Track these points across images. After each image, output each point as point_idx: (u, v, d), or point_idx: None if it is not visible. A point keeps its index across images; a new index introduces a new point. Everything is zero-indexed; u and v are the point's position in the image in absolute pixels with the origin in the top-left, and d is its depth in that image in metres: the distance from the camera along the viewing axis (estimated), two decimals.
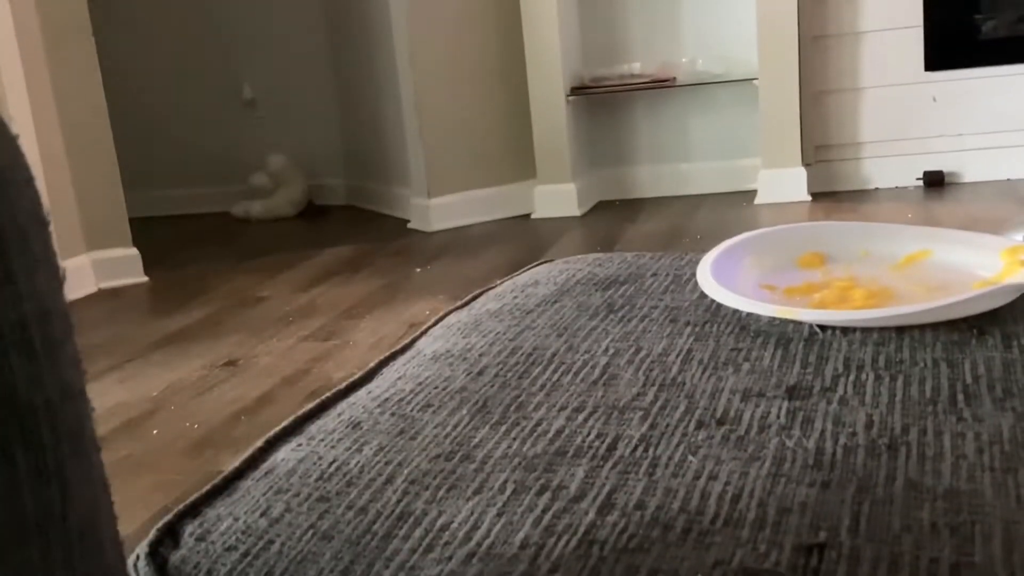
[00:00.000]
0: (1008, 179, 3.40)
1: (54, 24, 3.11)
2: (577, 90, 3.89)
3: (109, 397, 2.14)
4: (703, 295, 1.02)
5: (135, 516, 1.39)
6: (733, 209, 3.61)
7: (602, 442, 0.71)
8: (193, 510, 0.69)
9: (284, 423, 0.78)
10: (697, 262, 1.12)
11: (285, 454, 0.72)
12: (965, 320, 0.90)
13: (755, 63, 3.61)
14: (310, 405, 0.81)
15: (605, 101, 4.01)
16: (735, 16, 3.75)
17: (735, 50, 3.75)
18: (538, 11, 3.76)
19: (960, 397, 0.75)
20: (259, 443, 0.75)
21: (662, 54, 3.88)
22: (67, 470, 0.39)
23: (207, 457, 1.72)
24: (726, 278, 1.02)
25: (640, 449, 0.70)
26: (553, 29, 3.76)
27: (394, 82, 4.01)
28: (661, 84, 3.78)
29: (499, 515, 0.63)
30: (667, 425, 0.74)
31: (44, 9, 3.08)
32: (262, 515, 0.64)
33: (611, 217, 3.73)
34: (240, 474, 0.70)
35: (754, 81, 3.61)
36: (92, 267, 3.24)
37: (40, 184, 3.08)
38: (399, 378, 0.85)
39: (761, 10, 3.52)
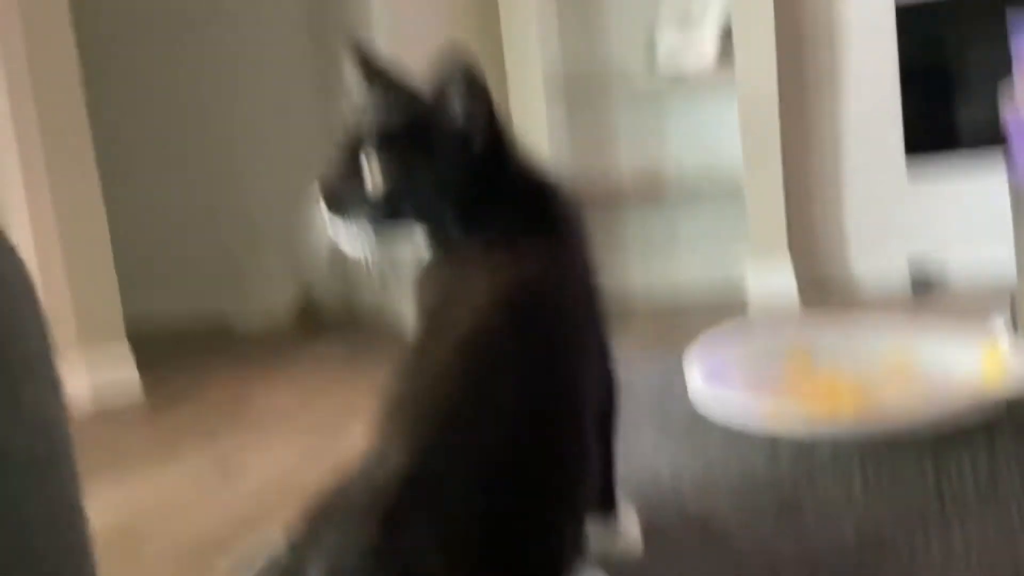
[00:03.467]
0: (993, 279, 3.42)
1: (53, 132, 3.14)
2: None
3: (101, 502, 2.12)
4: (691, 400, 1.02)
5: None
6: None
7: None
8: None
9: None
10: (683, 362, 1.12)
11: None
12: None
13: None
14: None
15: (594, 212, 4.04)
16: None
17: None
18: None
19: (948, 504, 0.75)
20: None
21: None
22: None
23: (203, 570, 1.70)
24: (714, 380, 1.03)
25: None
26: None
27: None
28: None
29: None
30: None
31: (45, 120, 3.12)
32: None
33: None
34: None
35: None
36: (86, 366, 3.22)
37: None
38: None
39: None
